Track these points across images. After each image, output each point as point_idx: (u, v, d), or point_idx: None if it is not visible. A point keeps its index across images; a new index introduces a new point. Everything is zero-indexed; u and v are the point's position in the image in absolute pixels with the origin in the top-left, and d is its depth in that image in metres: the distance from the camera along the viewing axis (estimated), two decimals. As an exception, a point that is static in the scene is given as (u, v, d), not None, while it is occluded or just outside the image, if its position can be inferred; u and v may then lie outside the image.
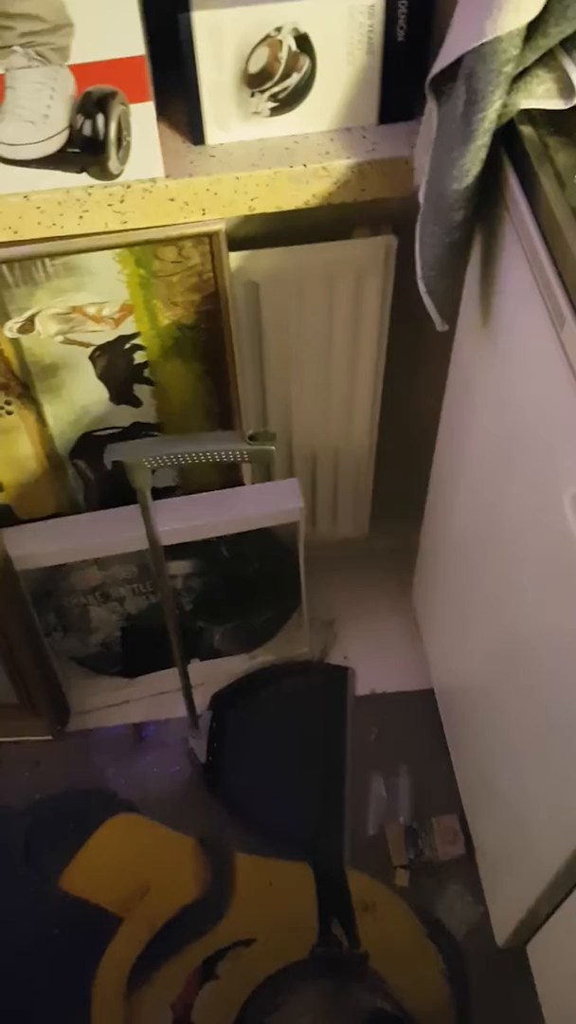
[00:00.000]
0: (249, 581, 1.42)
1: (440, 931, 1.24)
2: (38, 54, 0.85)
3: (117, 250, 0.99)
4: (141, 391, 1.15)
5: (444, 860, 1.29)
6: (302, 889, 1.28)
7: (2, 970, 1.25)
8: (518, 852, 1.08)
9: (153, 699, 1.46)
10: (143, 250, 0.99)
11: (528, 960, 1.16)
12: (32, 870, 1.31)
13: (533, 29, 0.73)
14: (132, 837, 1.34)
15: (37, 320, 1.03)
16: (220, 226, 0.99)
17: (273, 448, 0.92)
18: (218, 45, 0.91)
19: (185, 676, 1.29)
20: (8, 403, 1.12)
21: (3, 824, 1.35)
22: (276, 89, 0.95)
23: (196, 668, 1.45)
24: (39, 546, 1.23)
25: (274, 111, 0.96)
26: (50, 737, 1.43)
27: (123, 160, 0.92)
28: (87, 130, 0.89)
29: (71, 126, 0.89)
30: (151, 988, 1.20)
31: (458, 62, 0.78)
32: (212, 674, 1.47)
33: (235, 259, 1.04)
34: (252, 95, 0.95)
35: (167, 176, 0.95)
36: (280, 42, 0.92)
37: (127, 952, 1.23)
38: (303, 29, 0.91)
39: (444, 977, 1.20)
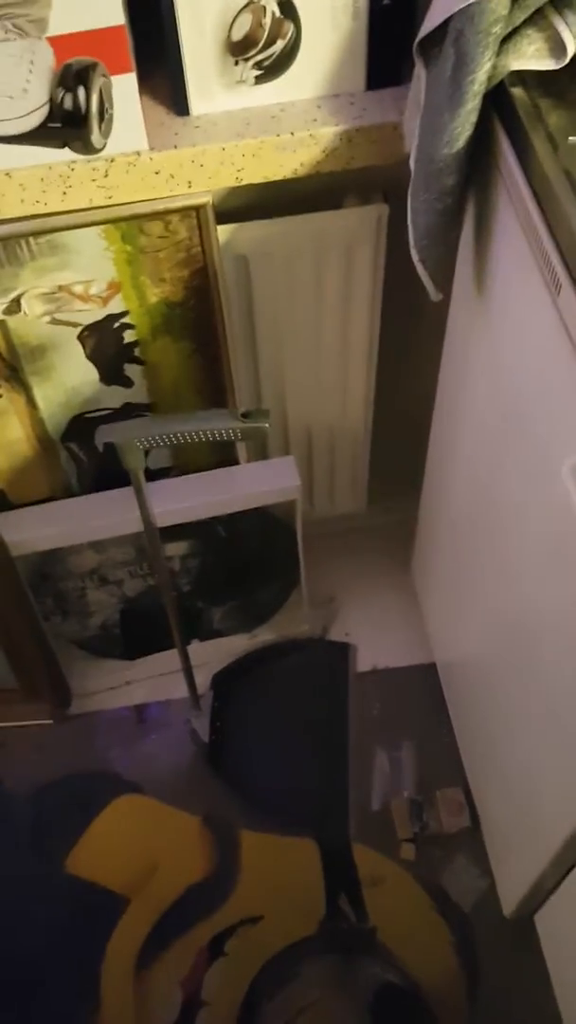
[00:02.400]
0: (247, 560, 1.41)
1: (447, 903, 1.24)
2: (15, 26, 0.82)
3: (102, 226, 0.97)
4: (132, 371, 1.13)
5: (450, 832, 1.29)
6: (309, 865, 1.28)
7: (11, 954, 1.25)
8: (523, 822, 1.08)
9: (154, 680, 1.46)
10: (129, 225, 0.97)
11: (536, 930, 1.17)
12: (38, 854, 1.31)
13: (522, -13, 0.72)
14: (137, 818, 1.34)
15: (23, 300, 1.02)
16: (207, 199, 0.97)
17: (267, 425, 0.90)
18: (199, 12, 0.88)
19: (185, 657, 1.29)
20: (-3, 386, 1.10)
21: (8, 809, 1.35)
22: (260, 56, 0.92)
23: (197, 648, 1.44)
24: (34, 531, 1.22)
25: (259, 79, 0.94)
26: (52, 721, 1.43)
27: (106, 134, 0.90)
28: (68, 104, 0.87)
29: (51, 100, 0.87)
30: (160, 967, 1.20)
31: (446, 24, 0.76)
32: (213, 654, 1.47)
33: (223, 232, 1.02)
34: (236, 63, 0.93)
35: (151, 149, 0.93)
36: (263, 7, 0.89)
37: (135, 932, 1.23)
38: (286, -7, 0.89)
39: (452, 949, 1.21)
